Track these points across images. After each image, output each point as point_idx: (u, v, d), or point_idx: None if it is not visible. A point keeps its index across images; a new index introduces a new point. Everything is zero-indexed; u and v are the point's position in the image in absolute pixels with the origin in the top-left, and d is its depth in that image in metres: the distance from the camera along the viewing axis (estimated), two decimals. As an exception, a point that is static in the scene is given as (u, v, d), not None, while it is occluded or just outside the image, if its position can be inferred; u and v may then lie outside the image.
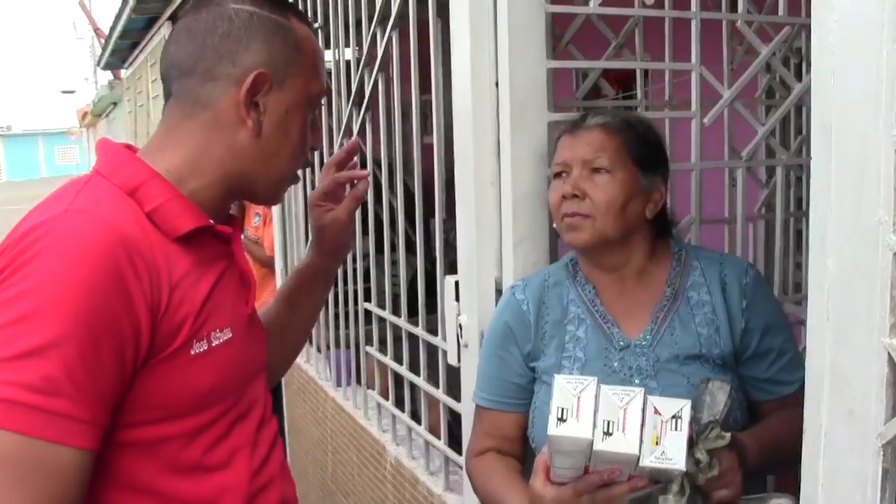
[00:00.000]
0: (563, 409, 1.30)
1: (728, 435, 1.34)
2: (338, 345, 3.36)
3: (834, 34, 0.91)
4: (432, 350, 2.33)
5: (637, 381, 1.51)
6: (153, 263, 1.03)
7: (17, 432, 0.94)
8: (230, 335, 1.13)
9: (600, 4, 1.85)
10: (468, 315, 1.88)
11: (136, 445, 1.06)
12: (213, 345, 1.10)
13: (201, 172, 1.15)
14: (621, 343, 1.54)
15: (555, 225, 1.61)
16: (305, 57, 1.18)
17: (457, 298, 1.93)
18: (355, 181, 1.49)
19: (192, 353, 1.07)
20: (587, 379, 1.33)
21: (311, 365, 3.68)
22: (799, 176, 2.33)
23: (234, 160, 1.16)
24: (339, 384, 3.36)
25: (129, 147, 1.18)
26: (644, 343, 1.53)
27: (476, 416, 1.68)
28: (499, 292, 1.83)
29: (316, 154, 2.98)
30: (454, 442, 2.27)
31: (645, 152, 1.55)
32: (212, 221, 1.17)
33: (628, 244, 1.56)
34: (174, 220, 1.10)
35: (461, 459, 2.01)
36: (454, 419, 2.16)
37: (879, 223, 0.88)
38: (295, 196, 3.59)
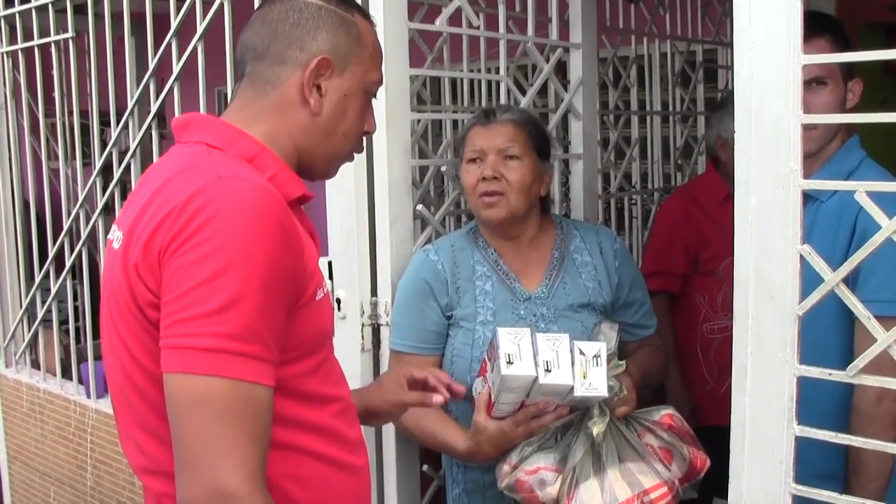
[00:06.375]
0: (509, 355, 1.63)
1: (623, 362, 1.77)
2: (84, 358, 3.35)
3: (754, 48, 1.36)
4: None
5: (542, 326, 1.89)
6: (294, 222, 1.20)
7: (228, 378, 1.08)
8: (324, 284, 1.32)
9: (449, 24, 2.22)
10: (346, 290, 2.13)
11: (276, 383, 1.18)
12: (326, 292, 1.29)
13: (281, 146, 1.31)
14: (524, 295, 1.92)
15: (470, 203, 1.95)
16: (365, 49, 1.35)
17: (330, 277, 2.17)
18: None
19: (317, 299, 1.24)
20: (521, 330, 1.68)
21: (49, 384, 3.56)
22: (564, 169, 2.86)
23: (301, 136, 1.32)
24: (101, 395, 3.33)
25: None
26: (542, 295, 1.92)
27: (394, 362, 1.96)
28: (373, 267, 2.11)
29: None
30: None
31: (542, 142, 1.95)
32: None
33: (527, 217, 1.95)
34: (286, 186, 1.26)
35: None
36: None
37: (791, 171, 1.35)
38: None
